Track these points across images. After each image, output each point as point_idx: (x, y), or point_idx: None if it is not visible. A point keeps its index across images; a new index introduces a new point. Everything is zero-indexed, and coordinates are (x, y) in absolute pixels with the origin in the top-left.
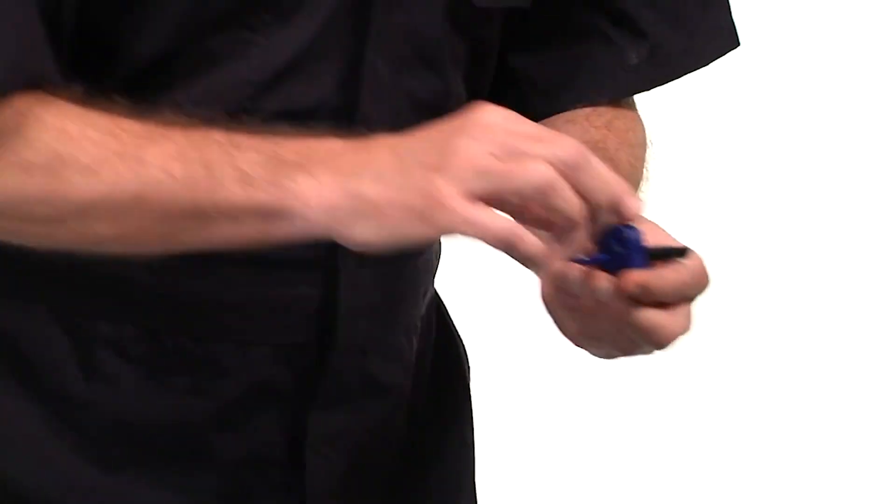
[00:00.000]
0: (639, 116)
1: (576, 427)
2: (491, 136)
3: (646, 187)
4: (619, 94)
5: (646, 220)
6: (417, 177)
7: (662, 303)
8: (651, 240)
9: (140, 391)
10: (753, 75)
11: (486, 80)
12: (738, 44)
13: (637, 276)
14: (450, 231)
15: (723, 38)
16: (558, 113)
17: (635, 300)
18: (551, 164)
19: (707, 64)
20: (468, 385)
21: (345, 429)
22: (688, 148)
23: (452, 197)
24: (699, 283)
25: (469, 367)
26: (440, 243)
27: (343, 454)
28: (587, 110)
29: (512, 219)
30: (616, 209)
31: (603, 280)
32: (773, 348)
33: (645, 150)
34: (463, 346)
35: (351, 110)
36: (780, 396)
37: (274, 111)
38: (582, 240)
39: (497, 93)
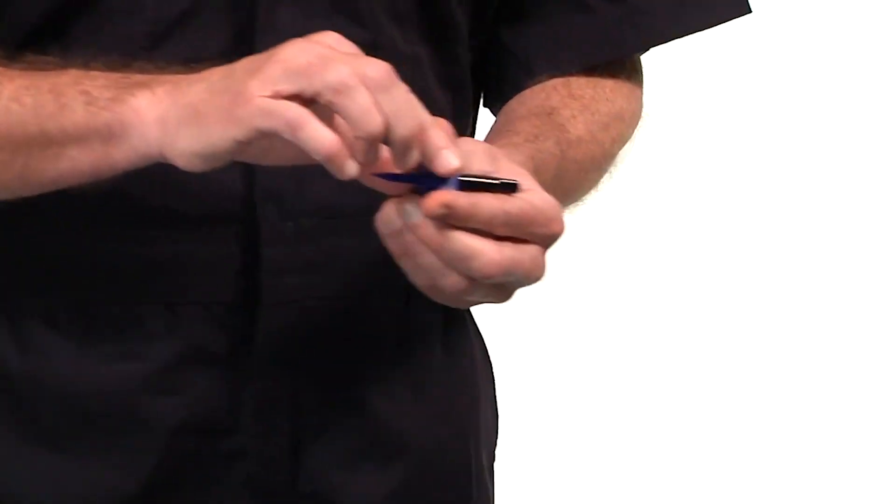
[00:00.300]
0: (630, 89)
1: (575, 425)
2: (312, 47)
3: (622, 159)
4: (591, 59)
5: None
6: (237, 80)
7: (483, 232)
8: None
9: (73, 362)
10: (754, 75)
11: (460, 49)
12: (748, 10)
13: (442, 195)
14: (249, 125)
15: (724, 5)
16: (533, 85)
17: (445, 223)
18: (356, 75)
19: (700, 30)
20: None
21: (289, 390)
22: (687, 148)
23: (257, 95)
24: (542, 222)
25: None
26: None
27: (287, 416)
28: (557, 80)
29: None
30: (424, 148)
31: (411, 200)
32: (777, 348)
33: (621, 122)
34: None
35: None
36: (782, 396)
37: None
38: (384, 157)
39: (498, 73)
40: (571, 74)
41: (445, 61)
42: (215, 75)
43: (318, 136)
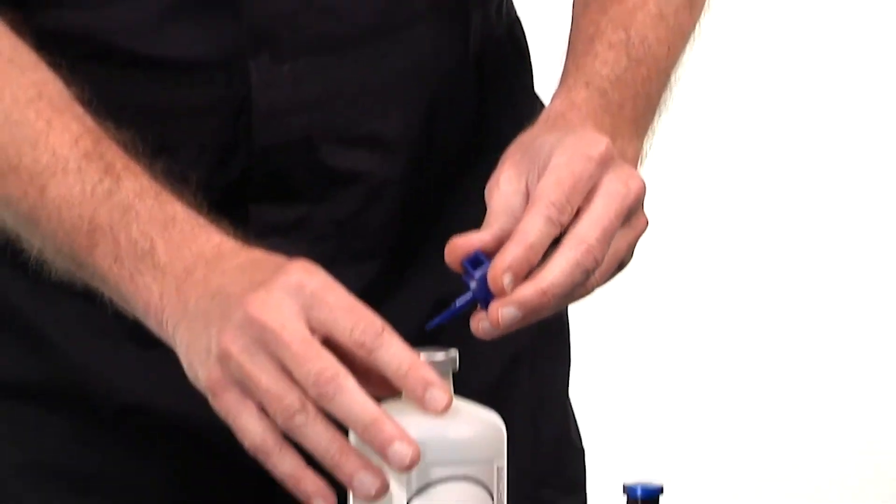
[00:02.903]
0: None
1: None
2: (261, 326)
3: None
4: None
5: None
6: (210, 337)
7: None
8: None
9: None
10: (753, 75)
11: None
12: None
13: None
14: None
15: None
16: None
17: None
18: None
19: None
20: None
21: (295, 220)
22: (687, 147)
23: (219, 381)
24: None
25: None
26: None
27: (297, 243)
28: None
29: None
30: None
31: (480, 321)
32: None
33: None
34: None
35: None
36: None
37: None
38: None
39: None
40: None
41: None
42: (200, 309)
43: (245, 429)
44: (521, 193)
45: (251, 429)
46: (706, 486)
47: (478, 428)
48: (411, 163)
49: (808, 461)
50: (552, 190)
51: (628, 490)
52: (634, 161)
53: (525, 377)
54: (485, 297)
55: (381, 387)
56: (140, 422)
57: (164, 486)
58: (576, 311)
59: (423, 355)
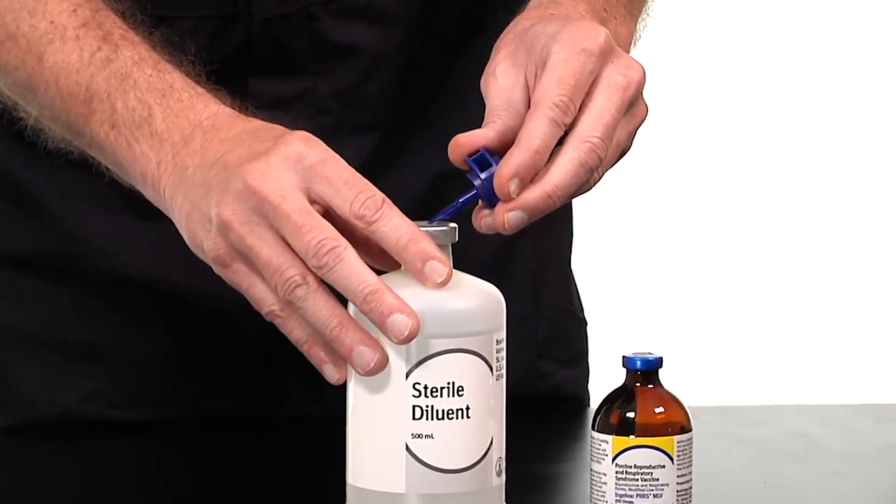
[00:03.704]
0: None
1: None
2: (262, 194)
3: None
4: None
5: None
6: (209, 206)
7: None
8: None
9: None
10: (753, 75)
11: None
12: None
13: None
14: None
15: None
16: None
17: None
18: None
19: None
20: None
21: (295, 93)
22: (686, 148)
23: (226, 253)
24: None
25: None
26: None
27: (298, 117)
28: None
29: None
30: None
31: (483, 217)
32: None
33: None
34: None
35: None
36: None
37: None
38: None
39: None
40: None
41: None
42: (197, 176)
43: (260, 298)
44: (520, 86)
45: (265, 297)
46: (706, 359)
47: (477, 300)
48: (410, 35)
49: (809, 334)
50: (554, 90)
51: (628, 362)
52: (628, 43)
53: (526, 249)
54: (489, 197)
55: (381, 260)
56: (137, 292)
57: (161, 356)
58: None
59: (423, 228)
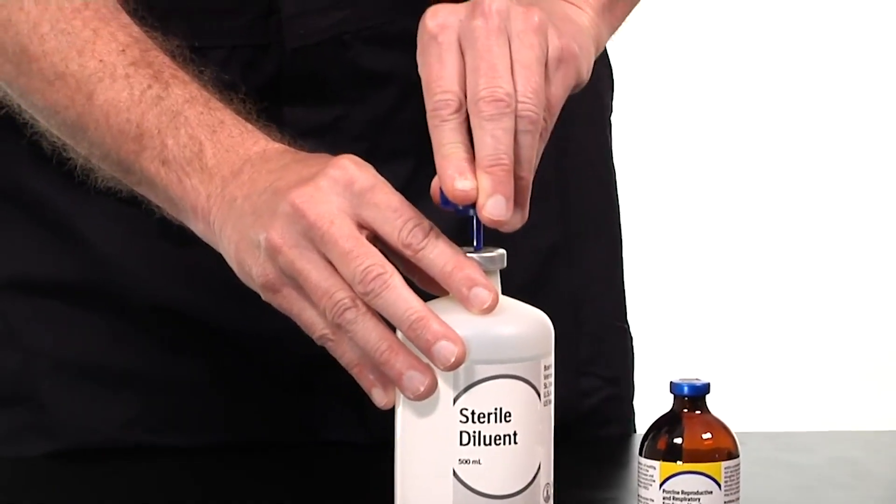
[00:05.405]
0: None
1: None
2: (309, 219)
3: None
4: None
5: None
6: (258, 232)
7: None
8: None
9: None
10: (753, 75)
11: None
12: None
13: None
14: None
15: None
16: None
17: None
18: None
19: None
20: None
21: (330, 122)
22: (687, 148)
23: (275, 279)
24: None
25: None
26: None
27: (333, 145)
28: None
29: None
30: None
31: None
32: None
33: None
34: None
35: None
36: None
37: None
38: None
39: None
40: None
41: None
42: (246, 207)
43: (311, 323)
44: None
45: (316, 322)
46: (753, 386)
47: (524, 326)
48: None
49: (857, 359)
50: (476, 84)
51: (675, 388)
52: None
53: (563, 269)
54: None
55: (431, 285)
56: (173, 319)
57: (199, 382)
58: (627, 196)
59: (470, 255)
